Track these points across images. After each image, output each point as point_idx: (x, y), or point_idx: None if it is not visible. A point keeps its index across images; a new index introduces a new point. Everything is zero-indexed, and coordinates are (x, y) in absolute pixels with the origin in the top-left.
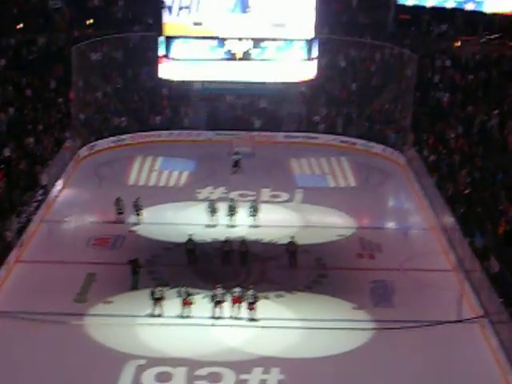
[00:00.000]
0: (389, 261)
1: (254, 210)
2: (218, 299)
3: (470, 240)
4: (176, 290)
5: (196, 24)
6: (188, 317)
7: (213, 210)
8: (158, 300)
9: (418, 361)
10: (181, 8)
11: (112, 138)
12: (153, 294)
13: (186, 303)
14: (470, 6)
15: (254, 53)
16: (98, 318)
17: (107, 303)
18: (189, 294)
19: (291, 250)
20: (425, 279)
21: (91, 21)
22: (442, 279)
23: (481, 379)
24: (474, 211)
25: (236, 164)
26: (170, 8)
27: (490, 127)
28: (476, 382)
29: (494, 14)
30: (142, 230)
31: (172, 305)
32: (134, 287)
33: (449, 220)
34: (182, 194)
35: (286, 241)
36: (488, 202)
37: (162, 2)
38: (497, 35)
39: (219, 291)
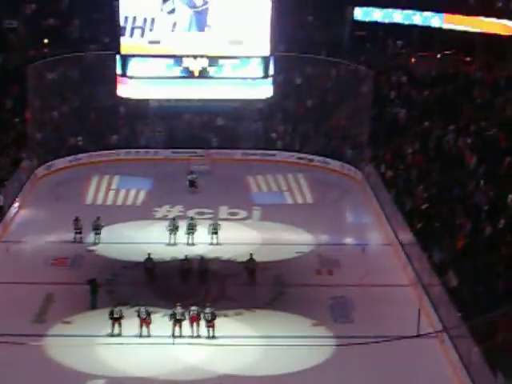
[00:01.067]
0: (347, 277)
1: (214, 228)
2: (177, 318)
3: (428, 255)
4: (135, 309)
5: (152, 42)
6: (147, 336)
7: (174, 229)
8: (116, 319)
9: (378, 376)
10: (134, 28)
11: (69, 158)
12: (111, 313)
13: (145, 322)
14: (418, 20)
15: (211, 71)
16: (57, 339)
17: (66, 323)
18: (148, 313)
19: (250, 267)
20: (383, 294)
21: (47, 40)
22: (401, 294)
23: None
24: (432, 226)
25: (192, 184)
26: (124, 28)
27: (446, 142)
28: None
29: (450, 30)
30: (101, 249)
31: (131, 324)
32: (93, 307)
33: (407, 235)
34: (139, 213)
35: (245, 258)
36: (445, 217)
37: (117, 23)
38: (452, 51)
39: (178, 310)
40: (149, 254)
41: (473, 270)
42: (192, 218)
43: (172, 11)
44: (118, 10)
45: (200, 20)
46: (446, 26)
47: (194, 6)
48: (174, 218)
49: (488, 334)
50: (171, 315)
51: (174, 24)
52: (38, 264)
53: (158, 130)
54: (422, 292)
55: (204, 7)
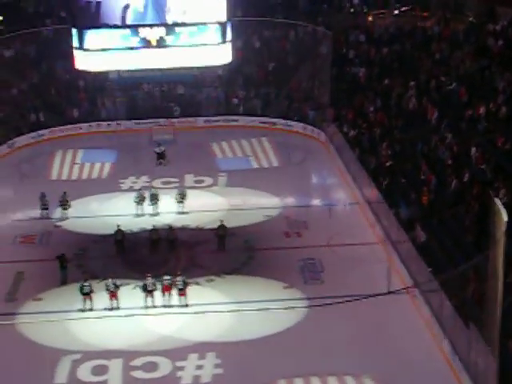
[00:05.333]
0: (316, 238)
1: (182, 197)
2: (148, 288)
3: (395, 211)
4: (104, 282)
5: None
6: (117, 308)
7: (141, 200)
8: (87, 294)
9: (351, 335)
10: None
11: (31, 134)
12: (82, 288)
13: (113, 295)
14: None
15: (169, 39)
16: (29, 316)
17: (37, 300)
18: (116, 286)
19: (221, 233)
20: (353, 254)
21: (1, 17)
22: (370, 252)
23: (415, 349)
24: (398, 183)
25: (160, 156)
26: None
27: (407, 99)
28: (410, 353)
29: None
30: (68, 224)
31: (103, 297)
32: (63, 283)
33: (373, 193)
34: (105, 186)
35: (213, 225)
36: (410, 173)
37: None
38: (408, 7)
39: (149, 280)
40: (118, 226)
41: (440, 224)
42: (153, 189)
43: None
44: None
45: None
46: None
47: None
48: (140, 189)
49: (459, 287)
50: (142, 286)
51: (126, 6)
52: (6, 243)
53: (119, 97)
54: (391, 249)
55: None
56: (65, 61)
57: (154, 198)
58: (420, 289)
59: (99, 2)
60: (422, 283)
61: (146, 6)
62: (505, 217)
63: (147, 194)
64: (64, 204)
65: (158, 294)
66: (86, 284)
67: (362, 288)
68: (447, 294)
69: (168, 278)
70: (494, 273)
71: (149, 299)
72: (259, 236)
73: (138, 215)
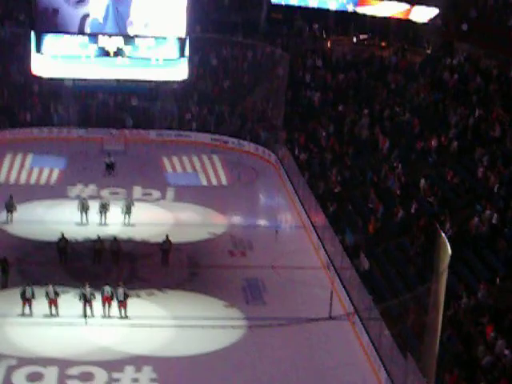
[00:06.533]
0: (260, 258)
1: (128, 209)
2: (87, 298)
3: (341, 238)
4: (44, 289)
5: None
6: (57, 316)
7: (83, 208)
8: (27, 300)
9: (289, 358)
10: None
11: None
12: (23, 293)
13: (53, 302)
14: (333, 6)
15: (127, 50)
16: None
17: None
18: (56, 293)
19: (165, 248)
20: (296, 277)
21: None
22: (313, 277)
23: (352, 375)
24: (345, 209)
25: (109, 167)
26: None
27: (360, 127)
28: (347, 379)
29: (365, 15)
30: (13, 228)
31: (42, 304)
32: (3, 286)
33: (320, 218)
34: (52, 192)
35: (158, 239)
36: (358, 201)
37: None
38: (367, 36)
39: (87, 289)
40: (62, 234)
41: (384, 253)
42: (104, 198)
43: (81, 1)
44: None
45: (119, 9)
46: (359, 10)
47: None
48: (84, 198)
49: (399, 317)
50: (80, 295)
51: (85, 16)
52: None
53: (72, 104)
54: (335, 274)
55: None
56: (20, 64)
57: (104, 208)
58: (360, 316)
59: (57, 10)
60: (362, 310)
61: (105, 17)
62: (449, 250)
63: (93, 203)
64: (9, 208)
65: (97, 304)
66: (26, 289)
67: (304, 311)
68: (387, 323)
69: (109, 288)
70: (434, 305)
71: (87, 308)
72: (203, 253)
73: (81, 224)
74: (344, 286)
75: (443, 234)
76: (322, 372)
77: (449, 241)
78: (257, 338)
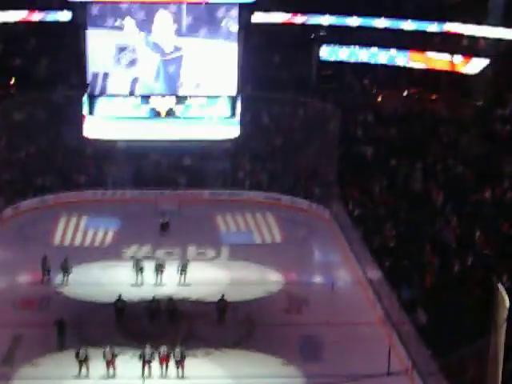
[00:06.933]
0: (316, 315)
1: (183, 268)
2: (146, 358)
3: (397, 292)
4: (101, 350)
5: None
6: (114, 377)
7: (139, 269)
8: (83, 361)
9: None
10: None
11: (36, 199)
12: (77, 355)
13: (111, 363)
14: (383, 59)
15: (178, 110)
16: (24, 382)
17: (34, 366)
18: (113, 355)
19: (221, 307)
20: (353, 333)
21: (13, 80)
22: (370, 332)
23: None
24: (401, 263)
25: (163, 227)
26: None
27: (413, 180)
28: None
29: (415, 69)
30: (69, 290)
31: (100, 365)
32: (61, 348)
33: (375, 273)
34: (107, 253)
35: (213, 298)
36: (414, 254)
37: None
38: (418, 89)
39: (148, 350)
40: (119, 295)
41: (442, 307)
42: (159, 259)
43: (132, 63)
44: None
45: (170, 70)
46: (410, 65)
47: (162, 53)
48: (138, 259)
49: (458, 371)
50: (140, 356)
51: (136, 78)
52: (6, 306)
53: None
54: (392, 329)
55: (175, 55)
56: (73, 127)
57: (160, 268)
58: (419, 371)
59: (108, 73)
60: (421, 365)
61: (156, 79)
62: (507, 303)
63: (148, 264)
64: (65, 269)
65: (155, 364)
66: (82, 350)
67: (362, 368)
68: (446, 378)
69: (166, 348)
70: (494, 358)
71: (145, 369)
72: (259, 311)
73: (137, 285)
74: (402, 341)
75: (501, 287)
76: None
77: (507, 293)
78: None
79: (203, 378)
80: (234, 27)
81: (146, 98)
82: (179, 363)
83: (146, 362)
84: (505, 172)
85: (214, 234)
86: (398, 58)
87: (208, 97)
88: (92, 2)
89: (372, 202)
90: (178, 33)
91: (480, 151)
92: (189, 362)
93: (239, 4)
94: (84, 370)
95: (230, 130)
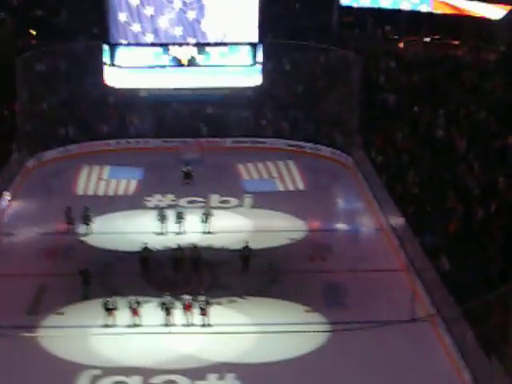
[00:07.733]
0: (340, 262)
1: (207, 217)
2: (168, 306)
3: (420, 239)
4: (126, 299)
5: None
6: (139, 325)
7: (162, 218)
8: (110, 310)
9: (372, 361)
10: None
11: (59, 149)
12: (105, 304)
13: (136, 312)
14: (405, 6)
15: (200, 59)
16: (50, 330)
17: (59, 314)
18: (138, 303)
19: (245, 255)
20: (377, 280)
21: (34, 31)
22: (394, 279)
23: (435, 377)
24: (424, 210)
25: (186, 176)
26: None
27: (436, 127)
28: (431, 380)
29: (437, 14)
30: (93, 239)
31: (124, 314)
32: (86, 298)
33: (399, 220)
34: (131, 203)
35: (237, 246)
36: (437, 201)
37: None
38: (440, 35)
39: (168, 298)
40: (145, 244)
41: (465, 253)
42: (179, 207)
43: (153, 11)
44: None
45: (191, 19)
46: (433, 10)
47: (183, 2)
48: (161, 208)
49: (482, 317)
50: (162, 304)
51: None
52: (31, 256)
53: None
54: (415, 276)
55: (197, 3)
56: (95, 76)
57: (180, 217)
58: (442, 317)
59: (129, 22)
60: (444, 312)
61: (177, 27)
62: None
63: (171, 213)
64: (86, 219)
65: (179, 312)
66: (109, 300)
67: (385, 314)
68: (470, 324)
69: (190, 296)
70: None
71: (169, 317)
72: (283, 259)
73: (161, 233)
74: (425, 288)
75: None
76: (406, 373)
77: None
78: (339, 343)
79: (227, 325)
80: None
81: (167, 47)
82: (203, 311)
83: (168, 310)
84: None
85: (237, 182)
86: (421, 5)
87: (229, 45)
88: None
89: (395, 149)
90: None
91: (503, 97)
92: (213, 310)
93: None
94: (110, 318)
95: (252, 78)
